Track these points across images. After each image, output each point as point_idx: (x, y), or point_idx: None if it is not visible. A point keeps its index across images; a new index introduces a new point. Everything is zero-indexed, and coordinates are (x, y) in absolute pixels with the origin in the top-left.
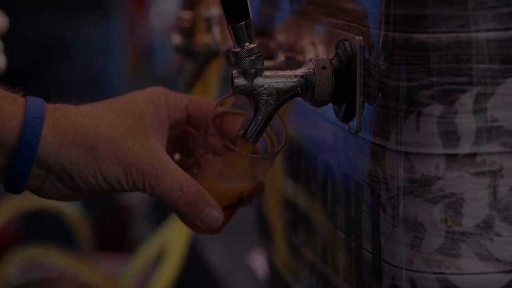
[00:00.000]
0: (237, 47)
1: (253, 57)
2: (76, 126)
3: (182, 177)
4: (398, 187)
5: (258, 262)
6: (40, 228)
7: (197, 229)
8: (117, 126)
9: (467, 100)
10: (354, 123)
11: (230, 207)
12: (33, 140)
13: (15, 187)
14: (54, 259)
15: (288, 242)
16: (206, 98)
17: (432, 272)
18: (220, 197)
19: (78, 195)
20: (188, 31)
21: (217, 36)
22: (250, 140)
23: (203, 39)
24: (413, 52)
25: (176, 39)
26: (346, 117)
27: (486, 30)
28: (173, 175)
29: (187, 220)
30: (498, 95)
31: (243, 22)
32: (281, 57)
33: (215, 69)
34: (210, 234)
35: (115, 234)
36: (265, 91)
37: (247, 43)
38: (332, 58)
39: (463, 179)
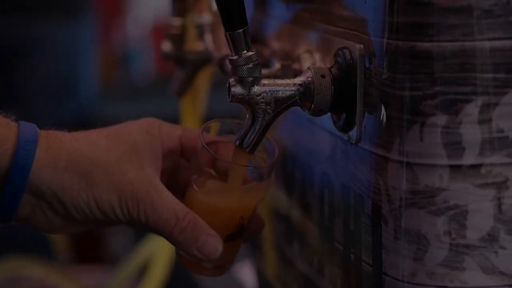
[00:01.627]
0: (235, 55)
1: (250, 65)
2: (69, 151)
3: (178, 206)
4: (401, 198)
5: (246, 273)
6: (17, 240)
7: (203, 271)
8: (111, 153)
9: (472, 110)
10: (354, 132)
11: (232, 238)
12: (26, 164)
13: (4, 215)
14: (33, 271)
15: (280, 254)
16: (196, 106)
17: (436, 285)
18: (219, 226)
19: (69, 225)
20: (178, 38)
21: (209, 43)
22: (247, 150)
23: (194, 46)
24: (417, 61)
25: (166, 46)
26: (346, 127)
27: (492, 39)
28: (168, 203)
29: (183, 249)
30: (504, 105)
31: (241, 30)
32: (277, 65)
33: (205, 77)
34: (217, 275)
35: (92, 246)
36: (263, 100)
37: (245, 51)
38: (331, 67)
39: (467, 190)
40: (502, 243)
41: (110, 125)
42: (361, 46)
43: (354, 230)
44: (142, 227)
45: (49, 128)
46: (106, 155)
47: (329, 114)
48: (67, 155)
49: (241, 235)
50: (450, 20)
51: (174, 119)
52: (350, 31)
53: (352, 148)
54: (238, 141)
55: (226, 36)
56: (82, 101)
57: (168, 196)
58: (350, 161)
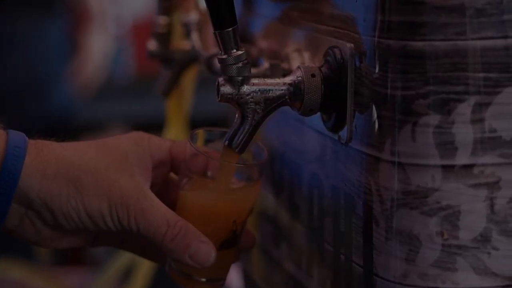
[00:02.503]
0: (224, 54)
1: (240, 64)
2: (58, 158)
3: (168, 213)
4: (392, 199)
5: (233, 275)
6: None
7: (196, 286)
8: (100, 160)
9: (464, 109)
10: (344, 132)
11: (225, 246)
12: (15, 170)
13: None
14: (15, 273)
15: (267, 255)
16: (181, 106)
17: (428, 286)
18: (211, 233)
19: (58, 237)
20: (164, 37)
21: (196, 42)
22: (236, 150)
23: (180, 45)
24: (409, 60)
25: (152, 45)
26: (336, 127)
27: (484, 38)
28: (158, 209)
29: (175, 257)
30: (497, 104)
31: (230, 28)
32: (266, 64)
33: (190, 77)
34: None
35: (75, 248)
36: (252, 100)
37: (234, 50)
38: (321, 66)
39: (460, 191)
40: (494, 243)
41: (90, 125)
42: (352, 45)
43: (345, 231)
44: (133, 237)
45: (37, 137)
46: (95, 163)
47: (318, 114)
48: (56, 162)
49: (234, 244)
50: (442, 19)
51: (155, 119)
52: (340, 30)
53: (342, 148)
54: (227, 141)
55: (215, 35)
56: (58, 101)
57: (158, 204)
58: (340, 161)
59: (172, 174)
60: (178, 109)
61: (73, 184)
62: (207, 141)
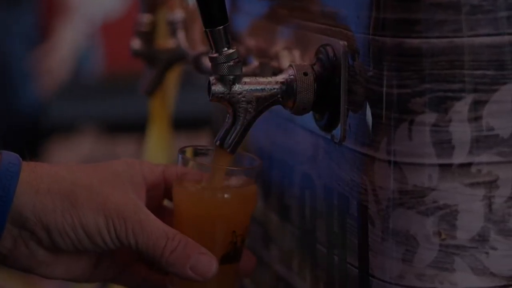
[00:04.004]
0: (215, 53)
1: (231, 63)
2: (51, 174)
3: (166, 227)
4: (389, 198)
5: None
6: None
7: None
8: (93, 177)
9: (461, 107)
10: (337, 132)
11: (227, 259)
12: (10, 185)
13: None
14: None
15: (257, 258)
16: (164, 106)
17: (425, 287)
18: (211, 246)
19: (54, 261)
20: (148, 36)
21: (182, 40)
22: (228, 150)
23: (164, 44)
24: (405, 58)
25: (135, 43)
26: (329, 126)
27: (481, 35)
28: (156, 222)
29: (176, 271)
30: (494, 102)
31: (221, 27)
32: (255, 63)
33: (174, 76)
34: None
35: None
36: (244, 99)
37: (225, 49)
38: (314, 64)
39: (457, 190)
40: (492, 243)
41: (58, 125)
42: (345, 42)
43: (338, 231)
44: (131, 253)
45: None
46: (88, 178)
47: (310, 113)
48: (48, 177)
49: (236, 258)
50: (438, 16)
51: (124, 119)
52: (332, 28)
53: (336, 147)
54: (218, 141)
55: (206, 33)
56: (26, 100)
57: (155, 218)
58: (334, 161)
59: (166, 202)
60: (161, 109)
61: (67, 198)
62: (196, 156)
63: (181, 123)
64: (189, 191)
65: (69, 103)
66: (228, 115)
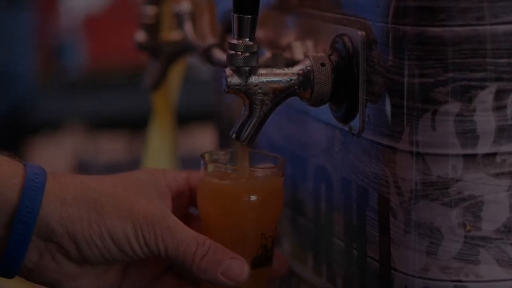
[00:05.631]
0: (235, 40)
1: (247, 54)
2: (76, 183)
3: (195, 233)
4: (411, 190)
5: None
6: None
7: None
8: (118, 185)
9: (486, 97)
10: (356, 123)
11: (258, 263)
12: (36, 195)
13: (10, 263)
14: None
15: None
16: (168, 99)
17: (450, 280)
18: (242, 250)
19: (82, 274)
20: (153, 28)
21: (190, 32)
22: (244, 143)
23: (169, 36)
24: (427, 47)
25: (140, 36)
26: (346, 117)
27: (505, 23)
28: (185, 228)
29: (207, 277)
30: None
31: (249, 16)
32: (268, 54)
33: (177, 70)
34: None
35: None
36: (260, 90)
37: (247, 39)
38: (330, 54)
39: (482, 180)
40: None
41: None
42: (363, 32)
43: (357, 224)
44: (159, 263)
45: None
46: (113, 187)
47: (325, 104)
48: (74, 187)
49: (267, 261)
50: (461, 3)
51: (110, 115)
52: (348, 17)
53: (354, 139)
54: (234, 134)
55: (232, 18)
56: (17, 94)
57: (183, 224)
58: (351, 153)
59: (192, 210)
60: (164, 103)
61: (93, 207)
62: (218, 160)
63: (184, 118)
64: (214, 196)
65: (53, 100)
66: (244, 107)
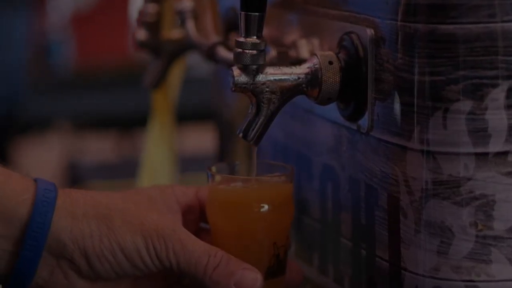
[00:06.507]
0: (242, 37)
1: (255, 52)
2: (86, 199)
3: (206, 245)
4: (422, 189)
5: None
6: None
7: None
8: (128, 200)
9: (498, 94)
10: (364, 121)
11: (271, 273)
12: (47, 211)
13: (21, 279)
14: None
15: None
16: (167, 100)
17: (461, 279)
18: (254, 260)
19: None
20: (154, 26)
21: (192, 30)
22: (251, 142)
23: (170, 34)
24: (439, 45)
25: (141, 34)
26: (354, 116)
27: None
28: (196, 240)
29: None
30: None
31: (257, 14)
32: (273, 52)
33: (178, 68)
34: None
35: None
36: (268, 89)
37: (254, 37)
38: (338, 52)
39: (494, 179)
40: None
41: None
42: (372, 30)
43: (366, 224)
44: (170, 277)
45: None
46: (123, 202)
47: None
48: (84, 202)
49: (281, 271)
50: (473, 1)
51: (100, 114)
52: (357, 15)
53: (362, 138)
54: (241, 133)
55: (240, 15)
56: (6, 94)
57: (194, 237)
58: (359, 151)
59: (202, 224)
60: (164, 102)
61: (104, 222)
62: (225, 171)
63: (183, 117)
64: (224, 207)
65: (41, 99)
66: (251, 106)
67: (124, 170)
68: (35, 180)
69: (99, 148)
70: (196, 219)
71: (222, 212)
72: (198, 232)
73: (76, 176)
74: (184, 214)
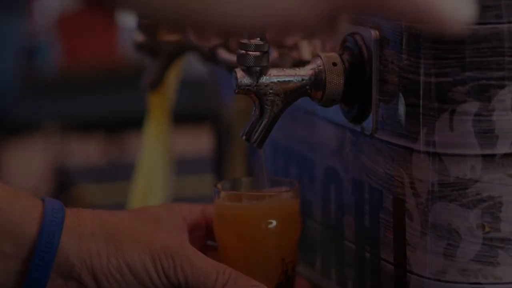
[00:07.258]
0: (246, 39)
1: (258, 54)
2: (93, 218)
3: (215, 262)
4: (428, 191)
5: None
6: None
7: None
8: (135, 219)
9: (505, 96)
10: (368, 123)
11: None
12: (55, 231)
13: None
14: None
15: None
16: (164, 101)
17: (468, 282)
18: (263, 277)
19: None
20: (152, 28)
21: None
22: (255, 145)
23: (168, 36)
24: (445, 46)
25: (139, 36)
26: (358, 118)
27: None
28: (204, 257)
29: None
30: None
31: None
32: (275, 53)
33: (175, 69)
34: None
35: None
36: (271, 91)
37: (258, 38)
38: (342, 54)
39: (501, 181)
40: None
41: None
42: (376, 31)
43: (370, 226)
44: None
45: None
46: (131, 221)
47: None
48: (92, 222)
49: (288, 283)
50: (480, 1)
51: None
52: (360, 16)
53: (366, 139)
54: (244, 136)
55: None
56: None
57: (202, 254)
58: (363, 153)
59: (209, 242)
60: (160, 104)
61: (111, 241)
62: (231, 188)
63: (180, 118)
64: (231, 224)
65: (28, 101)
66: (254, 108)
67: (113, 173)
68: (43, 200)
69: (86, 150)
70: (202, 236)
71: (229, 229)
72: (205, 250)
73: (64, 179)
74: (191, 232)
